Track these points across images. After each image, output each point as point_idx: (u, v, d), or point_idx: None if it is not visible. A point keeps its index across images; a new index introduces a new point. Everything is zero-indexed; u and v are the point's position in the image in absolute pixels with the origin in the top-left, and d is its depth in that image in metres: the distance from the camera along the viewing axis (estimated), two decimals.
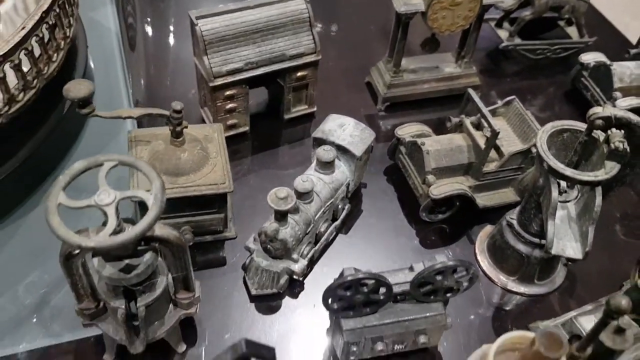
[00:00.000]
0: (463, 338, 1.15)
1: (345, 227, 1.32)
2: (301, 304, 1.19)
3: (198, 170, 1.17)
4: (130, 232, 0.84)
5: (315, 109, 1.51)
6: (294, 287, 1.21)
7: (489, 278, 1.25)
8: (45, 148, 1.28)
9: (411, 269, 1.03)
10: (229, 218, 1.27)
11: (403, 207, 1.36)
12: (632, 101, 1.26)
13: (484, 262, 1.27)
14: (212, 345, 1.12)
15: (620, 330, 0.81)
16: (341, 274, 1.00)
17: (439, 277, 1.00)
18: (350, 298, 0.98)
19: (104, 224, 0.85)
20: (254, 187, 1.37)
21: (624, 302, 0.73)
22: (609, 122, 0.98)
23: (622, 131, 1.01)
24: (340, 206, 1.28)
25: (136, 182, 1.11)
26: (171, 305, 1.06)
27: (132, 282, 0.94)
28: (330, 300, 0.98)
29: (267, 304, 1.18)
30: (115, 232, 0.84)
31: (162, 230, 0.93)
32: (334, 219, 1.28)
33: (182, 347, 1.10)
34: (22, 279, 1.19)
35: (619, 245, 1.34)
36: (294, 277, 1.18)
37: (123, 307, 0.97)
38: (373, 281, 0.97)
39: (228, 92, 1.34)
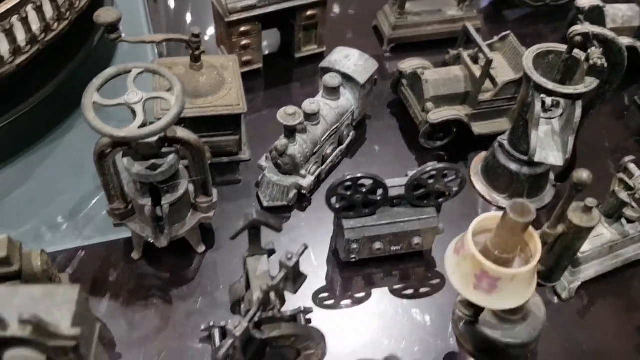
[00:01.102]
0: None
1: (350, 152, 1.43)
2: (308, 216, 1.31)
3: (215, 93, 1.28)
4: (156, 124, 0.96)
5: (324, 49, 1.62)
6: (302, 201, 1.32)
7: (483, 197, 1.36)
8: (78, 75, 1.40)
9: (406, 175, 1.14)
10: (243, 142, 1.39)
11: (404, 136, 1.47)
12: (623, 40, 1.35)
13: (478, 183, 1.37)
14: (226, 249, 1.24)
15: (587, 209, 0.91)
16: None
17: (430, 181, 1.10)
18: (351, 197, 1.09)
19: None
20: (266, 118, 1.48)
21: (585, 175, 0.83)
22: (587, 38, 1.08)
23: (601, 49, 1.10)
24: (345, 132, 1.39)
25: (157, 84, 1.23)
26: (191, 210, 1.19)
27: (157, 179, 1.06)
28: (332, 200, 1.10)
29: (277, 215, 1.30)
30: (143, 126, 0.96)
31: (183, 132, 1.05)
32: (340, 144, 1.39)
33: (202, 248, 1.23)
34: (59, 190, 1.32)
35: (609, 178, 1.43)
36: (302, 191, 1.29)
37: (150, 204, 1.10)
38: (371, 181, 1.08)
39: (243, 29, 1.45)
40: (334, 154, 1.37)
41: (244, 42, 1.48)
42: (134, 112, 0.98)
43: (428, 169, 1.09)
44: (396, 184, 1.12)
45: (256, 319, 0.84)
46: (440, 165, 1.08)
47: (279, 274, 0.86)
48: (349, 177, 1.07)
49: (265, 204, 1.30)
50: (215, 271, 1.22)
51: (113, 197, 1.13)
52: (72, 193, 1.32)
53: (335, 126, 1.33)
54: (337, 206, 1.11)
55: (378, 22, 1.70)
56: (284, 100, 1.55)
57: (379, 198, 1.11)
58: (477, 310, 1.02)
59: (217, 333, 1.09)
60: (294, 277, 0.89)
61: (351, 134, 1.42)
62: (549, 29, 1.81)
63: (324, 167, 1.35)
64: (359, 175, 1.07)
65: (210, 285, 1.19)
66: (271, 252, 0.97)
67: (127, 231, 1.22)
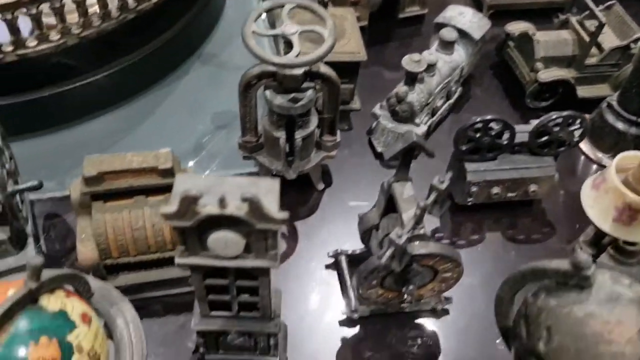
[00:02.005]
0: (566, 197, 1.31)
1: (456, 108, 1.47)
2: (419, 166, 1.36)
3: (337, 41, 1.33)
4: (311, 55, 1.02)
5: (426, 11, 1.66)
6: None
7: (586, 156, 1.39)
8: (194, 24, 1.47)
9: (529, 122, 1.18)
10: (355, 92, 1.44)
11: (508, 96, 1.51)
12: None
13: (582, 142, 1.41)
14: (340, 189, 1.30)
15: None
16: None
17: (556, 128, 1.15)
18: (479, 140, 1.14)
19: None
20: (368, 75, 1.53)
21: None
22: None
23: None
24: (453, 88, 1.44)
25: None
26: (315, 149, 1.24)
27: (297, 112, 1.12)
28: (460, 141, 1.15)
29: (388, 162, 1.35)
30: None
31: (325, 68, 1.11)
32: (448, 99, 1.44)
33: (321, 186, 1.29)
34: (180, 128, 1.39)
35: None
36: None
37: (284, 137, 1.16)
38: (499, 125, 1.13)
39: None
40: (443, 108, 1.42)
41: None
42: (289, 44, 1.04)
43: (555, 116, 1.13)
44: (519, 130, 1.17)
45: (409, 234, 0.90)
46: (568, 112, 1.13)
47: (431, 196, 0.92)
48: (479, 119, 1.11)
49: (379, 149, 1.35)
50: (332, 207, 1.27)
51: (247, 130, 1.19)
52: (192, 131, 1.39)
53: (447, 80, 1.38)
54: (464, 148, 1.16)
55: None
56: (386, 57, 1.61)
57: (504, 142, 1.16)
58: (600, 250, 1.07)
59: (343, 259, 1.15)
60: (441, 202, 0.94)
61: (459, 90, 1.46)
62: None
63: (434, 118, 1.39)
64: (489, 117, 1.12)
65: (330, 219, 1.25)
66: None
67: (250, 166, 1.28)
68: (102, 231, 0.98)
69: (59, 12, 1.17)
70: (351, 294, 1.10)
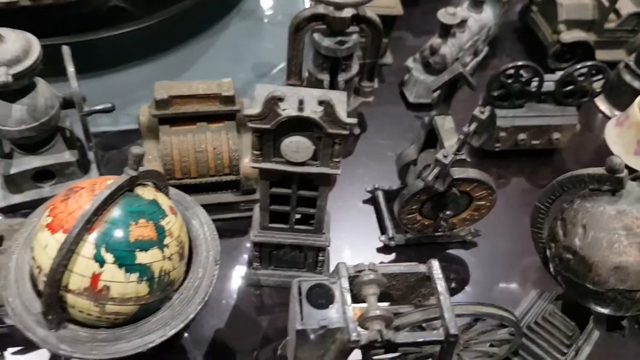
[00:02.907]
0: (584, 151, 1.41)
1: (481, 66, 1.57)
2: None
3: None
4: None
5: None
6: None
7: (603, 113, 1.49)
8: None
9: (555, 72, 1.27)
10: (387, 47, 1.53)
11: (529, 58, 1.61)
12: None
13: (599, 101, 1.51)
14: (374, 135, 1.40)
15: None
16: None
17: (581, 78, 1.24)
18: (509, 86, 1.23)
19: None
20: (402, 30, 1.62)
21: None
22: None
23: None
24: (480, 47, 1.53)
25: None
26: (353, 95, 1.33)
27: (343, 54, 1.20)
28: (493, 87, 1.24)
29: (421, 113, 1.44)
30: None
31: (371, 13, 1.19)
32: (475, 56, 1.53)
33: (357, 130, 1.38)
34: (222, 76, 1.46)
35: None
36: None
37: (328, 79, 1.24)
38: (530, 72, 1.22)
39: None
40: (470, 65, 1.51)
41: None
42: None
43: (580, 65, 1.22)
44: (546, 79, 1.26)
45: (453, 156, 0.98)
46: (593, 62, 1.22)
47: (471, 125, 1.01)
48: (511, 64, 1.21)
49: (411, 100, 1.45)
50: (367, 150, 1.37)
51: (292, 73, 1.28)
52: (235, 79, 1.47)
53: (476, 38, 1.47)
54: (495, 94, 1.25)
55: None
56: (417, 17, 1.69)
57: (533, 89, 1.25)
58: None
59: (380, 194, 1.24)
60: (480, 132, 1.03)
61: (485, 49, 1.55)
62: None
63: None
64: (520, 63, 1.21)
65: (364, 161, 1.34)
66: None
67: None
68: (169, 152, 1.06)
69: None
70: (388, 224, 1.19)
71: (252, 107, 0.80)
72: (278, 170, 0.87)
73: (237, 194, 1.16)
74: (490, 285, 1.19)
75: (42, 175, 1.14)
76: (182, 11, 1.45)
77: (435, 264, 0.75)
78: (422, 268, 0.76)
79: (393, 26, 1.47)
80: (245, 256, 1.15)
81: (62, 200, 0.78)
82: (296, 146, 0.83)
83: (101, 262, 0.74)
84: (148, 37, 1.41)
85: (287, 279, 1.07)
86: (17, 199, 1.15)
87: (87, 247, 0.73)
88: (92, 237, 0.74)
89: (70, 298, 0.75)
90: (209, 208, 1.17)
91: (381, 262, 1.18)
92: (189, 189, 1.13)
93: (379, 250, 1.20)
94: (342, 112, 0.80)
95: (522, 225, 1.14)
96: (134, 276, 0.75)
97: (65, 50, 1.09)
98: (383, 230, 1.20)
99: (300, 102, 0.78)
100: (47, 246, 0.75)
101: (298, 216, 0.99)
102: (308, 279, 0.73)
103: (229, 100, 1.07)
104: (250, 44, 1.56)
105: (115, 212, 0.76)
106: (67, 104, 1.10)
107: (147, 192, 0.81)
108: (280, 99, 0.78)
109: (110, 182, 0.78)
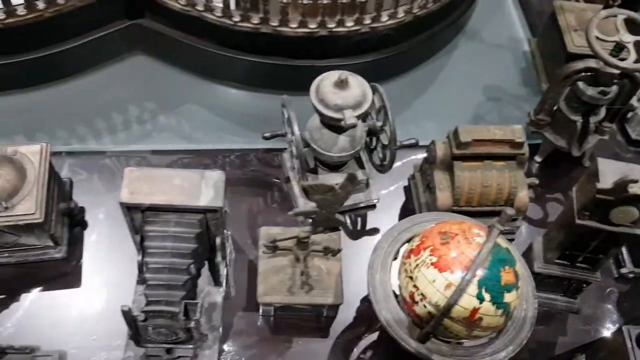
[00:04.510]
0: None
1: None
2: None
3: None
4: None
5: None
6: None
7: None
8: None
9: None
10: None
11: None
12: None
13: None
14: None
15: None
16: None
17: None
18: None
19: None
20: None
21: None
22: None
23: None
24: None
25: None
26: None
27: (603, 102, 1.35)
28: None
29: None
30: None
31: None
32: None
33: (587, 163, 1.53)
34: (453, 100, 1.63)
35: None
36: None
37: (581, 120, 1.38)
38: None
39: None
40: None
41: None
42: (627, 49, 1.24)
43: None
44: None
45: None
46: None
47: None
48: None
49: (633, 137, 1.58)
50: None
51: (544, 110, 1.42)
52: (466, 101, 1.63)
53: None
54: None
55: None
56: None
57: None
58: None
59: None
60: None
61: None
62: None
63: None
64: None
65: None
66: None
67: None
68: (461, 185, 1.24)
69: None
70: None
71: (601, 180, 0.97)
72: (602, 229, 1.03)
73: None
74: None
75: None
76: (428, 36, 1.60)
77: None
78: None
79: None
80: None
81: (442, 244, 0.96)
82: (630, 215, 0.99)
83: (481, 299, 0.93)
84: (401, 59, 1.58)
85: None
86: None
87: (472, 287, 0.92)
88: (476, 280, 0.93)
89: (447, 322, 0.95)
90: None
91: None
92: (465, 214, 1.31)
93: None
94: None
95: None
96: (500, 311, 0.94)
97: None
98: None
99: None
100: (434, 281, 0.94)
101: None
102: None
103: (519, 145, 1.23)
104: (478, 65, 1.70)
105: (490, 260, 0.94)
106: (371, 132, 1.29)
107: (501, 241, 0.99)
108: (634, 181, 0.94)
109: (481, 233, 0.96)
